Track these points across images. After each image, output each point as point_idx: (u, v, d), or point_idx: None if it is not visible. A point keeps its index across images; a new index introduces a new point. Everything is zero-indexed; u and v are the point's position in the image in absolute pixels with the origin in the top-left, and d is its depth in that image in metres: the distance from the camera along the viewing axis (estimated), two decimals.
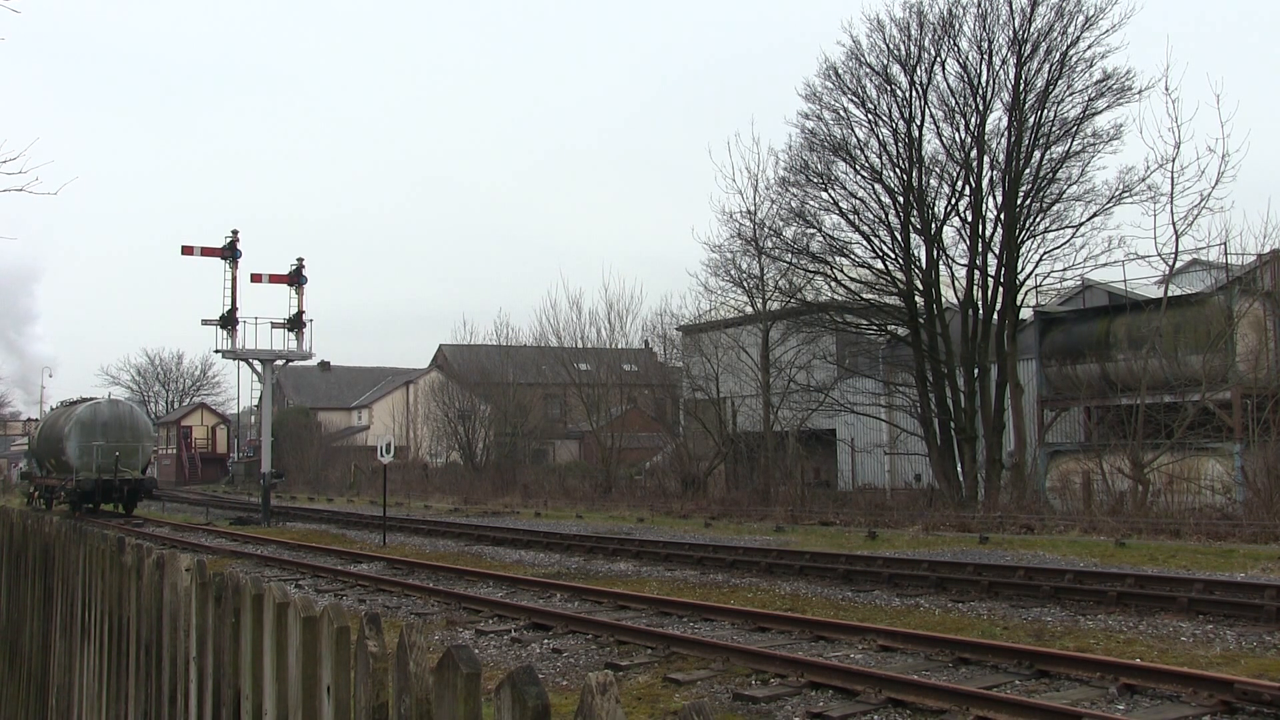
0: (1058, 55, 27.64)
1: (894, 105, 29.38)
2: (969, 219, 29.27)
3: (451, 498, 42.67)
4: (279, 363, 34.76)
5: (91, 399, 39.43)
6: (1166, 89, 34.92)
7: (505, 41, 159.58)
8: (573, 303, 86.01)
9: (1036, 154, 28.30)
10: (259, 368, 34.15)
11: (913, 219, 29.57)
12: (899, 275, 29.97)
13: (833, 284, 31.38)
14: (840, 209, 30.35)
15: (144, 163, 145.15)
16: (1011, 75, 28.25)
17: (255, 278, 34.30)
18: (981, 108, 28.59)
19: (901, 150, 29.46)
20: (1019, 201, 28.45)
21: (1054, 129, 28.09)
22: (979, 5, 28.07)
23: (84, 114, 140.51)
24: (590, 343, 46.42)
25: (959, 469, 29.00)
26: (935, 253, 29.64)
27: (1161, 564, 16.37)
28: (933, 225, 29.54)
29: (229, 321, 33.28)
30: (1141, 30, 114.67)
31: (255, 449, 53.00)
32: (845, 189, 30.22)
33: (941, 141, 29.49)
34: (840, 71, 29.64)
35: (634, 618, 12.99)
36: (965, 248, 29.68)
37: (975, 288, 29.29)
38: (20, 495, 45.60)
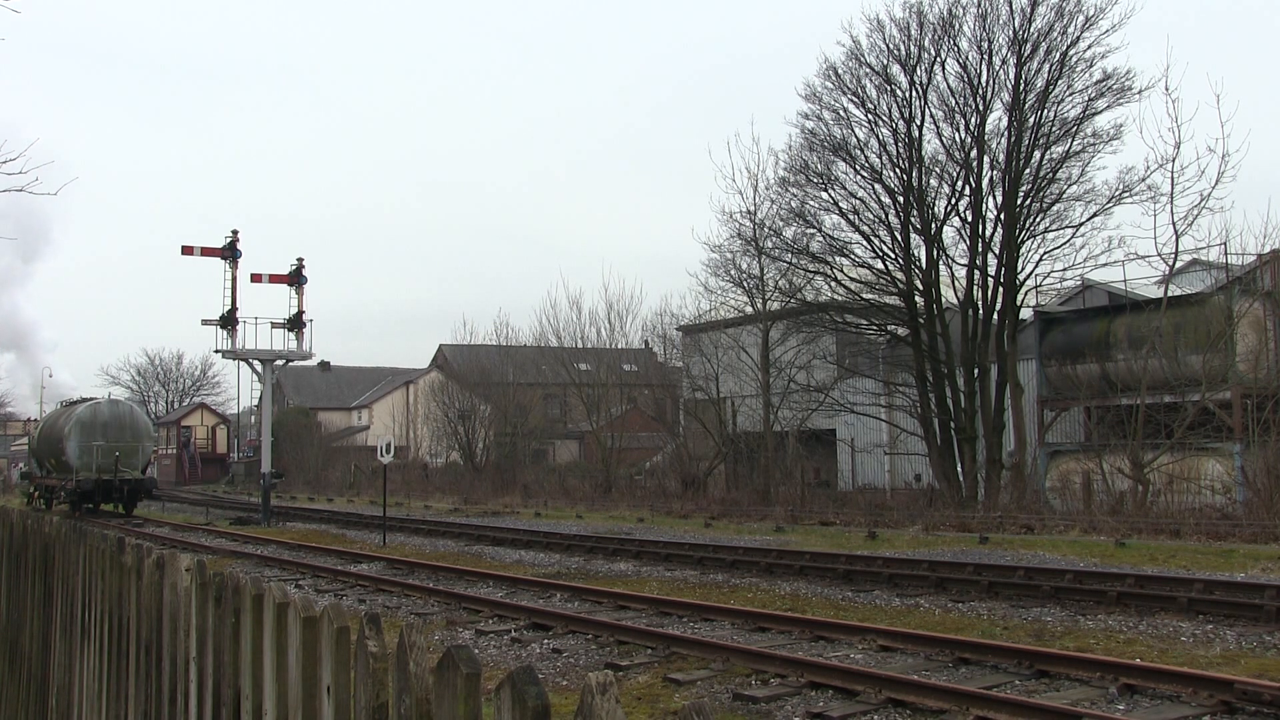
0: (1058, 55, 27.65)
1: (894, 105, 29.38)
2: (969, 219, 29.27)
3: (451, 498, 42.65)
4: (279, 363, 34.75)
5: (91, 399, 39.44)
6: (1166, 89, 35.00)
7: (507, 43, 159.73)
8: (573, 302, 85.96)
9: (1036, 154, 28.29)
10: (259, 368, 34.15)
11: (913, 219, 29.55)
12: (899, 275, 29.95)
13: (833, 284, 31.35)
14: (840, 209, 30.36)
15: (144, 163, 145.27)
16: (1011, 75, 28.26)
17: (255, 278, 34.31)
18: (981, 108, 28.60)
19: (901, 150, 29.45)
20: (1019, 201, 28.44)
21: (1054, 129, 28.08)
22: (979, 5, 28.08)
23: (84, 113, 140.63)
24: (590, 343, 46.42)
25: (959, 469, 28.98)
26: (935, 253, 29.64)
27: (1161, 564, 16.36)
28: (933, 225, 29.52)
29: (229, 321, 33.29)
30: (1142, 29, 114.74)
31: (255, 449, 53.02)
32: (845, 189, 30.23)
33: (941, 141, 29.52)
34: (840, 72, 29.65)
35: (634, 618, 12.99)
36: (965, 248, 29.70)
37: (975, 288, 29.27)
38: (20, 495, 45.57)
